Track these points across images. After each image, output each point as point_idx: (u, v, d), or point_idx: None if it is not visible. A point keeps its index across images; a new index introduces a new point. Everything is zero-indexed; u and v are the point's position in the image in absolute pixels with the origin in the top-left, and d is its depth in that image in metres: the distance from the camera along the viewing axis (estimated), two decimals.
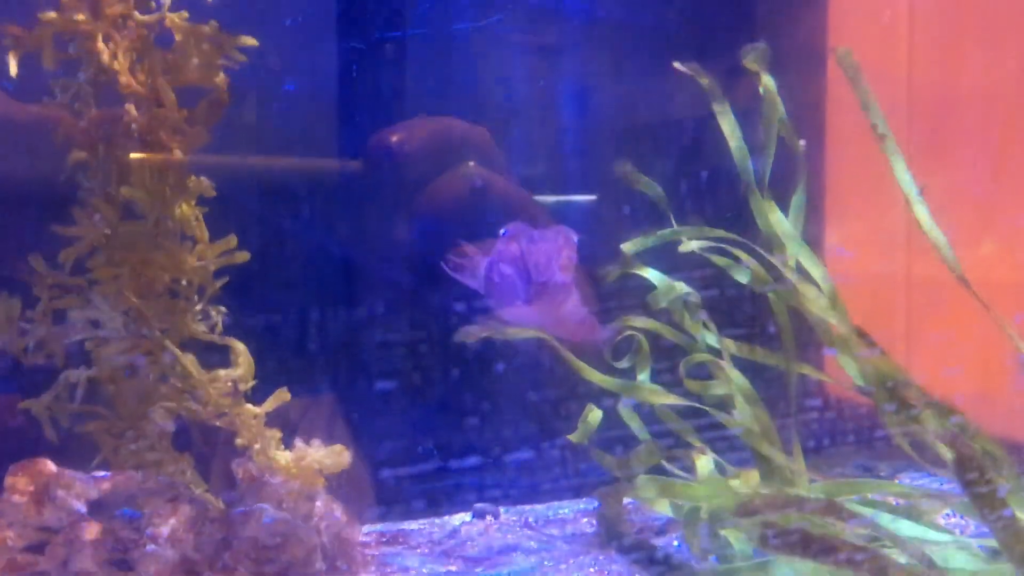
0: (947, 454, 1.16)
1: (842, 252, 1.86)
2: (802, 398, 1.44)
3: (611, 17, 1.90)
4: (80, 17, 1.18)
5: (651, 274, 1.41)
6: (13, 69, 1.18)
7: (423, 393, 1.68)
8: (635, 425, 1.37)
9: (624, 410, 1.36)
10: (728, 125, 1.39)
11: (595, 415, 1.38)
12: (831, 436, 1.62)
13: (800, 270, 1.36)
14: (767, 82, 1.38)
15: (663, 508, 1.36)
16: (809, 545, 0.91)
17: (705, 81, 1.40)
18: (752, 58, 1.42)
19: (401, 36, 1.61)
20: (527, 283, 1.10)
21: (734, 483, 1.26)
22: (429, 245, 1.60)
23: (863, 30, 2.06)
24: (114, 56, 1.18)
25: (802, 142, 2.15)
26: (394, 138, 1.58)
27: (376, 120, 1.63)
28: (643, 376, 1.38)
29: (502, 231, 1.14)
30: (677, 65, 1.39)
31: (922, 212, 1.38)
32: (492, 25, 1.68)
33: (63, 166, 1.27)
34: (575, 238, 1.11)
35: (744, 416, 1.25)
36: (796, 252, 1.36)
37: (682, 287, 1.36)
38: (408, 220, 1.63)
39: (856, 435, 1.64)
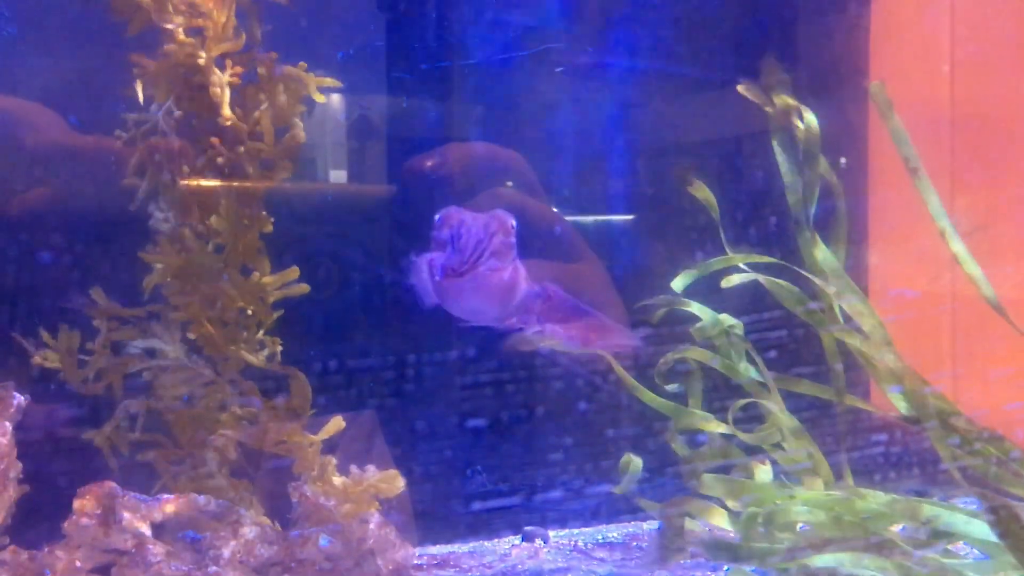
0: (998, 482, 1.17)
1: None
2: (852, 423, 1.44)
3: (652, 43, 1.92)
4: (201, 54, 1.24)
5: (696, 308, 1.42)
6: (140, 97, 1.26)
7: (465, 413, 1.71)
8: (681, 449, 1.38)
9: (675, 443, 1.37)
10: (784, 159, 1.41)
11: (636, 465, 1.40)
12: (882, 463, 1.62)
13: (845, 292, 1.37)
14: (809, 119, 1.39)
15: (722, 522, 1.36)
16: None
17: (770, 110, 1.41)
18: (780, 86, 1.43)
19: (448, 66, 1.64)
20: (455, 268, 1.06)
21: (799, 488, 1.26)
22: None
23: (905, 51, 2.06)
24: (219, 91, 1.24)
25: (843, 160, 2.16)
26: (428, 163, 1.61)
27: (424, 147, 1.67)
28: (694, 402, 1.39)
29: (436, 217, 1.10)
30: (742, 89, 1.41)
31: (958, 246, 1.39)
32: (536, 55, 1.71)
33: (130, 197, 1.32)
34: (511, 223, 1.08)
35: (794, 451, 1.26)
36: (842, 289, 1.37)
37: (728, 320, 1.37)
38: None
39: (906, 460, 1.63)
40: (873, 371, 1.32)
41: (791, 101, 1.41)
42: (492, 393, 1.71)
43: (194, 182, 1.29)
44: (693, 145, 1.98)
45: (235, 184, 1.30)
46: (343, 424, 1.31)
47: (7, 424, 1.17)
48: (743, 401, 1.34)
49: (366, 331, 1.63)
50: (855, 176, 1.96)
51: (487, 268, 1.05)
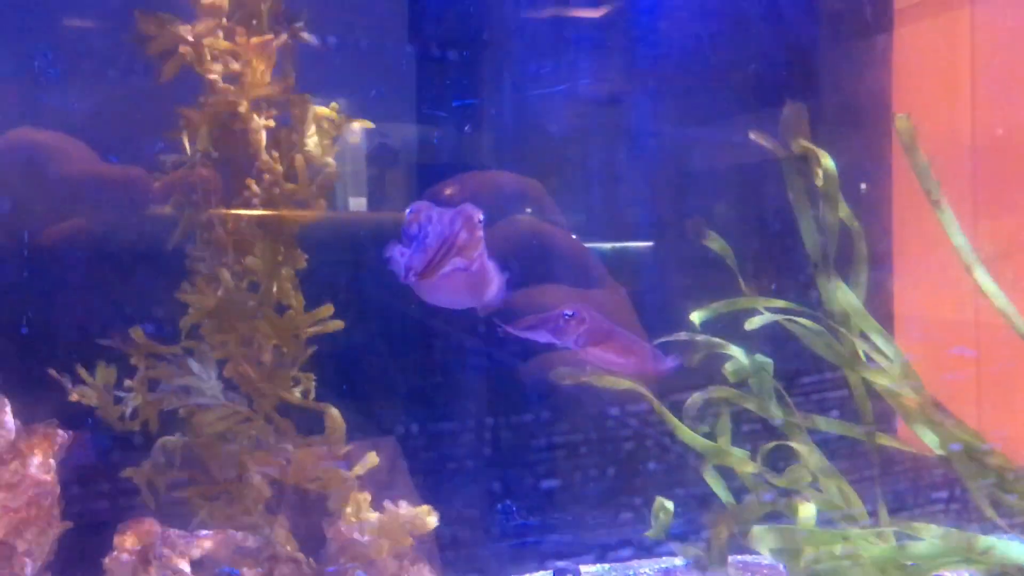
0: None
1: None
2: (884, 461, 1.45)
3: (676, 76, 1.95)
4: (241, 102, 1.27)
5: (731, 348, 1.43)
6: (187, 148, 1.28)
7: (494, 444, 1.72)
8: (718, 488, 1.38)
9: (709, 475, 1.38)
10: (800, 206, 1.43)
11: (668, 510, 1.40)
12: (915, 499, 1.62)
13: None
14: (826, 163, 1.41)
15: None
16: None
17: (785, 161, 1.43)
18: (798, 125, 1.45)
19: (478, 103, 1.67)
20: (419, 268, 1.06)
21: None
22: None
23: (926, 82, 2.08)
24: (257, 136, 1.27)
25: (863, 186, 2.17)
26: (447, 191, 1.64)
27: (444, 175, 1.69)
28: (724, 440, 1.40)
29: (407, 211, 1.11)
30: (754, 135, 1.43)
31: (984, 279, 1.40)
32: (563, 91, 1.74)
33: (162, 226, 1.35)
34: (479, 216, 1.07)
35: (826, 490, 1.26)
36: (866, 329, 1.38)
37: (760, 360, 1.38)
38: None
39: (941, 496, 1.63)
40: (901, 410, 1.32)
41: (808, 145, 1.43)
42: (519, 423, 1.72)
43: (230, 222, 1.31)
44: (717, 173, 2.00)
45: (270, 223, 1.32)
46: (377, 460, 1.33)
47: (52, 461, 1.19)
48: (773, 443, 1.35)
49: (387, 359, 1.64)
50: (880, 207, 1.97)
51: (451, 267, 1.06)
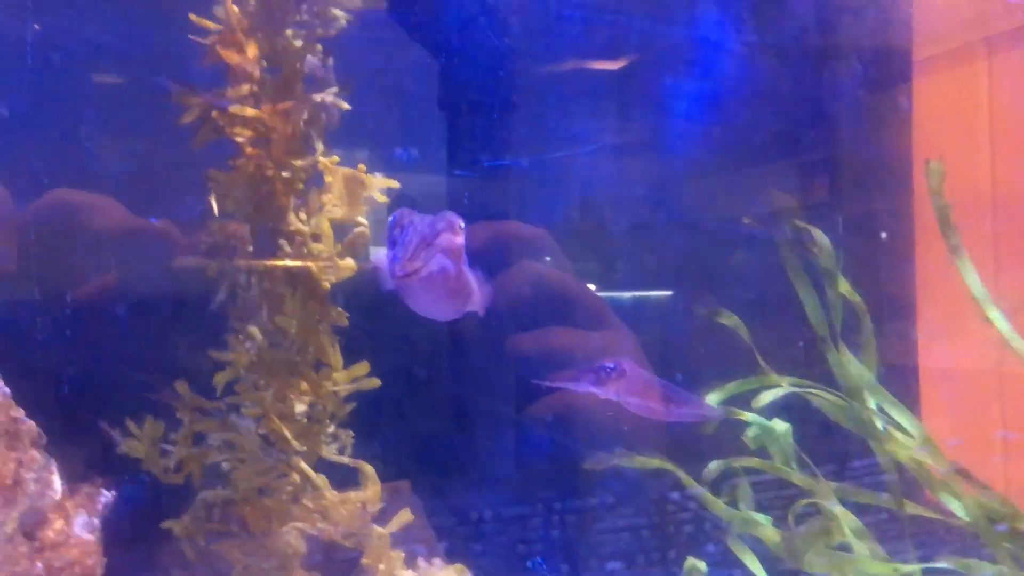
0: None
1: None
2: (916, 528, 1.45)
3: (698, 129, 1.98)
4: (269, 164, 1.30)
5: (749, 416, 1.45)
6: (215, 210, 1.31)
7: (519, 493, 1.73)
8: (749, 560, 1.39)
9: (736, 545, 1.39)
10: (801, 285, 1.45)
11: (701, 571, 1.41)
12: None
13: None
14: (821, 240, 1.44)
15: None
16: None
17: (780, 240, 1.46)
18: (791, 212, 1.48)
19: (508, 165, 1.72)
20: (401, 269, 1.08)
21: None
22: (489, 337, 1.68)
23: (945, 133, 2.10)
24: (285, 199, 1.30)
25: (883, 234, 2.19)
26: None
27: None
28: (744, 506, 1.40)
29: (390, 218, 1.14)
30: (747, 221, 1.46)
31: (1004, 326, 1.41)
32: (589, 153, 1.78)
33: (195, 280, 1.38)
34: (460, 223, 1.09)
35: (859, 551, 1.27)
36: (880, 401, 1.39)
37: (781, 428, 1.39)
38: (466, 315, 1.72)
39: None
40: (924, 478, 1.33)
41: (801, 224, 1.46)
42: (544, 472, 1.73)
43: (264, 280, 1.34)
44: (738, 225, 2.03)
45: (303, 280, 1.35)
46: (412, 517, 1.34)
47: (95, 521, 1.22)
48: (802, 502, 1.36)
49: (403, 405, 1.66)
50: (902, 258, 1.99)
51: (434, 265, 1.08)
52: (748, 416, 1.42)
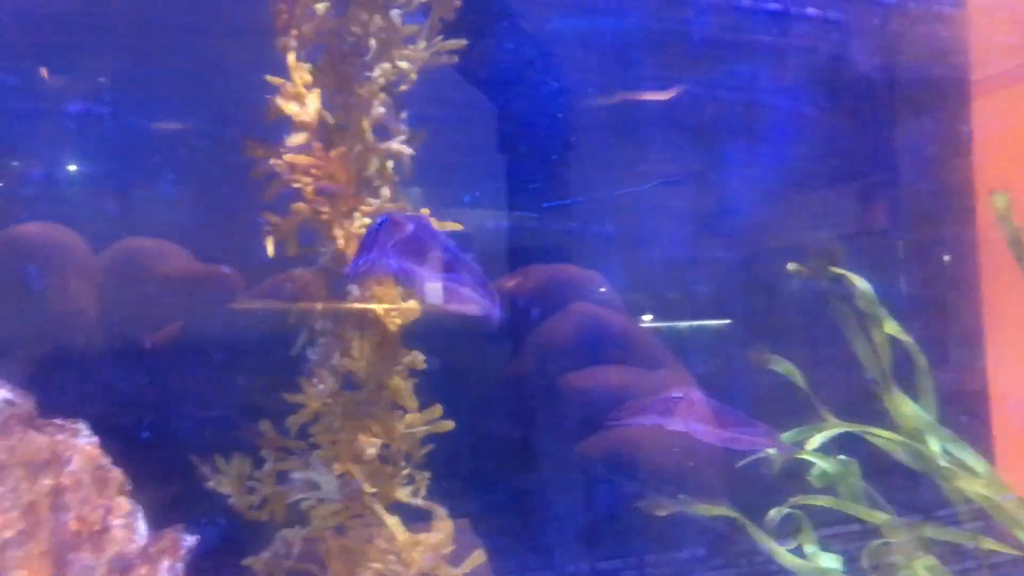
0: None
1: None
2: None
3: (753, 158, 1.98)
4: (324, 209, 1.34)
5: (813, 455, 1.44)
6: (270, 251, 1.34)
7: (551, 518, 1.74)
8: None
9: None
10: (850, 328, 1.45)
11: None
12: None
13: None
14: (862, 286, 1.43)
15: None
16: None
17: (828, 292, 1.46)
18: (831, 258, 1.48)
19: (567, 204, 1.74)
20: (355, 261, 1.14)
21: None
22: (542, 378, 1.70)
23: (1006, 154, 2.08)
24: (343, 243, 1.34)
25: (946, 257, 2.15)
26: (510, 283, 1.70)
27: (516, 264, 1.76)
28: (809, 548, 1.39)
29: (377, 221, 1.18)
30: (791, 268, 1.46)
31: None
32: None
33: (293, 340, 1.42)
34: (400, 219, 1.14)
35: None
36: (940, 440, 1.38)
37: (848, 465, 1.38)
38: (524, 356, 1.73)
39: None
40: (996, 513, 1.31)
41: (841, 271, 1.46)
42: (575, 501, 1.73)
43: (337, 324, 1.37)
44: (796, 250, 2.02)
45: (372, 323, 1.38)
46: (485, 557, 1.36)
47: (179, 566, 1.25)
48: (876, 543, 1.34)
49: (460, 443, 1.68)
50: (968, 285, 1.96)
51: (370, 264, 1.13)
52: (813, 455, 1.41)
